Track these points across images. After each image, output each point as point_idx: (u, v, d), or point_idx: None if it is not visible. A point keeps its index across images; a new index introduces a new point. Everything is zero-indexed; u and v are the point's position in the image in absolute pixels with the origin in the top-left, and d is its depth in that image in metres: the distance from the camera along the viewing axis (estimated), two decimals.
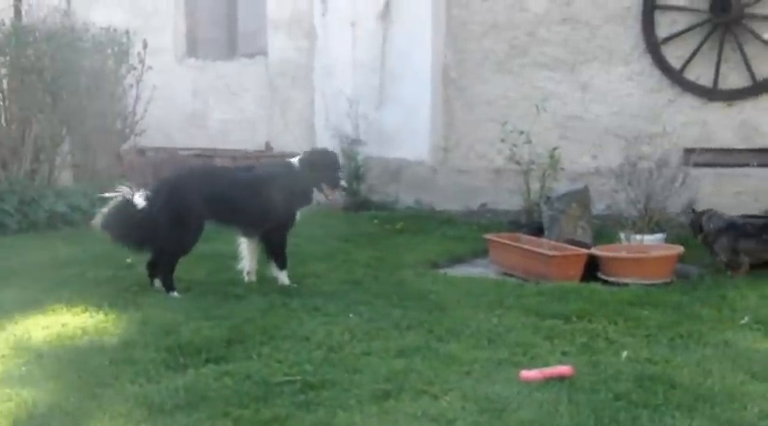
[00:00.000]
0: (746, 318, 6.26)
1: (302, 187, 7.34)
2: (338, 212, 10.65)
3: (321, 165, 7.39)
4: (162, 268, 7.17)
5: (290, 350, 5.63)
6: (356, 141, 11.23)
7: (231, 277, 7.55)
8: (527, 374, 5.13)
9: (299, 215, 7.42)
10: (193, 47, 13.79)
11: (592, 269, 7.66)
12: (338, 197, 8.26)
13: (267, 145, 12.64)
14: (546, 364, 5.34)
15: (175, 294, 7.04)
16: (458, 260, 8.66)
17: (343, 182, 7.64)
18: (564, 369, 5.19)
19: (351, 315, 6.39)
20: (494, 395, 4.84)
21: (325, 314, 6.44)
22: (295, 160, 7.45)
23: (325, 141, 11.17)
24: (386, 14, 11.67)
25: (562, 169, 9.52)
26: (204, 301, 6.84)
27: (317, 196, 7.50)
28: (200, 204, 7.12)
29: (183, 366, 5.38)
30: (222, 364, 5.39)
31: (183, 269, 7.34)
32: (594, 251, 7.78)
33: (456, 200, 10.88)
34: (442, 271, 8.12)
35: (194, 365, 5.39)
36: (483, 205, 10.96)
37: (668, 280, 7.37)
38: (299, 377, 5.13)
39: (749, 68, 9.91)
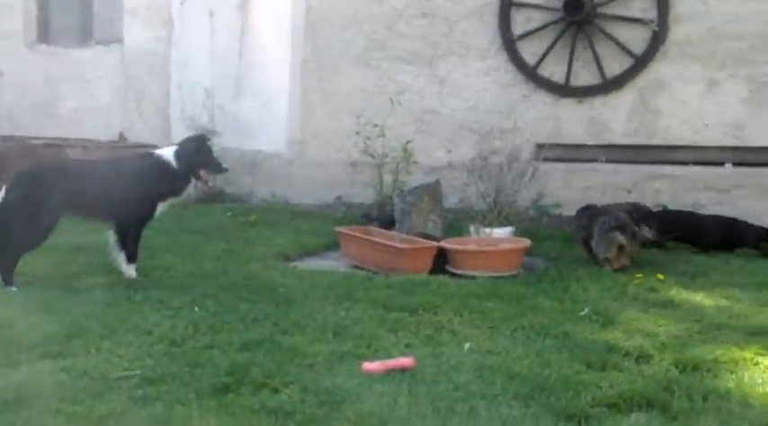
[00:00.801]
0: (586, 310, 6.41)
1: (175, 179, 7.22)
2: (191, 204, 10.47)
3: (198, 152, 7.29)
4: (2, 262, 6.92)
5: (131, 345, 5.49)
6: (212, 132, 11.07)
7: (76, 270, 7.34)
8: (369, 366, 5.13)
9: (160, 208, 7.27)
10: (45, 32, 13.36)
11: (442, 262, 7.72)
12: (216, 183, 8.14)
13: (121, 135, 12.38)
14: (389, 356, 5.35)
15: (14, 288, 6.79)
16: (309, 253, 8.62)
17: (224, 165, 7.54)
18: (406, 361, 5.21)
19: (196, 309, 6.28)
20: (334, 388, 4.82)
21: (170, 307, 6.31)
22: (165, 151, 7.31)
23: (181, 132, 10.96)
24: (244, 5, 11.57)
25: (415, 162, 9.58)
26: (46, 295, 6.63)
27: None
28: (57, 199, 6.92)
29: (17, 362, 5.18)
30: (59, 359, 5.22)
31: (27, 262, 7.09)
32: (444, 244, 7.84)
33: (312, 193, 10.86)
34: (292, 264, 8.07)
35: (29, 361, 5.21)
36: (338, 198, 10.97)
37: (515, 273, 7.49)
38: (138, 372, 5.01)
39: (600, 66, 10.17)
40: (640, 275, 7.39)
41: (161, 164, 7.21)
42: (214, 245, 8.59)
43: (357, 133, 9.77)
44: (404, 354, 5.39)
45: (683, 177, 9.75)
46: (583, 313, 6.37)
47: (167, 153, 7.27)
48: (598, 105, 10.27)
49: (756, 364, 5.39)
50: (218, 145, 10.89)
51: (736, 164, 9.80)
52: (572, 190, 9.85)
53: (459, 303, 6.53)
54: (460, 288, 6.94)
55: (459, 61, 10.71)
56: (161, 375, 4.97)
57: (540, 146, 9.90)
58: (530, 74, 10.47)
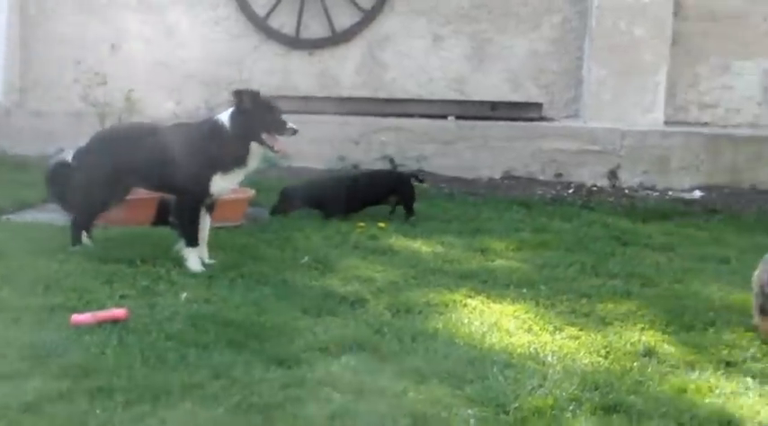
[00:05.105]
0: (306, 258, 6.46)
1: (229, 145, 6.19)
2: None
3: (255, 112, 6.14)
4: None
5: None
6: None
7: None
8: (78, 318, 4.96)
9: (222, 181, 6.25)
10: None
11: (166, 213, 7.52)
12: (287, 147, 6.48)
13: None
14: (102, 308, 5.20)
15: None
16: (27, 205, 8.19)
17: (291, 125, 6.24)
18: (118, 312, 5.07)
19: None
20: (40, 342, 4.63)
21: None
22: (224, 114, 6.28)
23: None
24: None
25: (139, 112, 9.29)
26: None
27: None
28: (117, 164, 6.38)
29: None
30: None
31: None
32: (164, 195, 7.63)
33: (32, 144, 10.32)
34: (5, 217, 7.65)
35: None
36: (60, 150, 10.47)
37: (238, 223, 7.43)
38: None
39: (329, 19, 10.24)
40: (362, 224, 7.52)
41: (215, 129, 6.21)
42: None
43: (76, 81, 9.36)
44: (118, 305, 5.24)
45: (408, 129, 9.98)
46: (303, 261, 6.41)
47: (225, 116, 6.24)
48: (327, 58, 10.35)
49: (465, 306, 5.63)
50: None
51: (458, 118, 10.14)
52: (301, 142, 9.83)
53: (178, 254, 6.41)
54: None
55: (188, 10, 10.50)
56: None
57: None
58: (260, 25, 10.41)
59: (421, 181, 8.41)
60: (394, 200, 8.05)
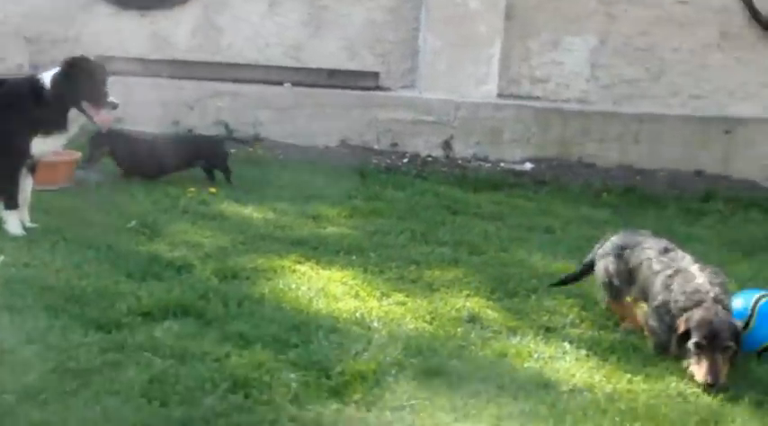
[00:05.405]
0: (134, 222, 6.29)
1: (46, 108, 5.83)
2: None
3: (79, 77, 5.83)
4: None
5: None
6: None
7: None
8: None
9: (42, 144, 5.92)
10: None
11: None
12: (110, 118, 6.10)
13: None
14: None
15: None
16: None
17: (112, 99, 5.90)
18: None
19: None
20: None
21: None
22: (47, 74, 5.90)
23: None
24: None
25: None
26: None
27: None
28: None
29: None
30: None
31: None
32: None
33: None
34: None
35: None
36: None
37: (65, 186, 7.18)
38: None
39: None
40: (193, 189, 7.38)
41: (35, 88, 5.86)
42: None
43: None
44: None
45: (244, 95, 9.84)
46: (130, 225, 6.25)
47: (47, 76, 5.88)
48: (161, 19, 10.09)
49: (294, 271, 5.61)
50: None
51: (295, 85, 10.06)
52: (134, 105, 9.59)
53: None
54: None
55: None
56: None
57: (105, 59, 9.52)
58: None
59: (244, 143, 8.27)
60: (203, 165, 7.88)
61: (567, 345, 4.86)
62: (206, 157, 7.90)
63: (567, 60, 10.41)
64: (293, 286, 5.29)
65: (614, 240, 5.36)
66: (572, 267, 5.88)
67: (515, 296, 5.57)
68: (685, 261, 4.95)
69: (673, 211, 8.33)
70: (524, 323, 5.15)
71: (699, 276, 4.79)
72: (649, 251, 5.10)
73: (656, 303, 4.86)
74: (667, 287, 4.82)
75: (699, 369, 4.52)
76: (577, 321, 5.26)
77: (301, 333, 4.59)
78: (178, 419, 3.67)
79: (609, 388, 4.40)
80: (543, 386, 4.36)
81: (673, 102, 10.49)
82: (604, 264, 5.28)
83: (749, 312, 5.00)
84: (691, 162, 10.06)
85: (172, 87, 9.83)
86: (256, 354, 4.29)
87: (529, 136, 9.97)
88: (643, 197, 8.76)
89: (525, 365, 4.58)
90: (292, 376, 4.10)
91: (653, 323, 4.87)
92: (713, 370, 4.47)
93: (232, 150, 8.23)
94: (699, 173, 10.00)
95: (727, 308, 4.70)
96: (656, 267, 4.96)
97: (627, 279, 5.18)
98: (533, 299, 5.53)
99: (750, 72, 10.52)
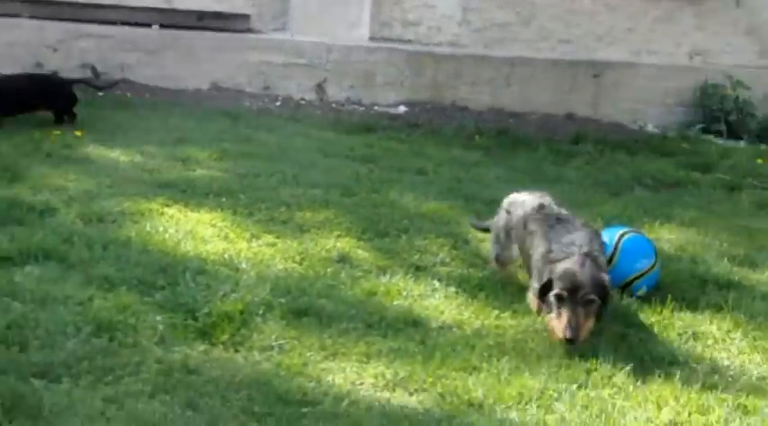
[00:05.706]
0: None
1: None
2: None
3: None
4: None
5: None
6: None
7: None
8: None
9: None
10: None
11: None
12: None
13: None
14: None
15: None
16: None
17: None
18: None
19: None
20: None
21: None
22: None
23: None
24: None
25: None
26: None
27: None
28: None
29: None
30: None
31: None
32: None
33: None
34: None
35: None
36: None
37: None
38: None
39: None
40: (58, 132, 7.15)
41: None
42: None
43: None
44: None
45: (110, 37, 9.54)
46: None
47: None
48: None
49: (162, 214, 5.52)
50: None
51: (163, 27, 9.81)
52: None
53: None
54: None
55: None
56: None
57: None
58: None
59: (103, 88, 7.99)
60: (46, 106, 7.55)
61: (436, 283, 4.91)
62: (48, 99, 7.57)
63: (438, 4, 10.38)
64: (160, 229, 5.20)
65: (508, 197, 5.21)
66: (444, 207, 5.95)
67: (386, 236, 5.59)
68: (563, 215, 4.79)
69: (543, 153, 8.45)
70: (395, 262, 5.18)
71: (575, 231, 4.63)
72: (527, 208, 4.90)
73: (536, 256, 4.66)
74: (548, 240, 4.61)
75: (558, 324, 4.29)
76: (447, 259, 5.32)
77: (168, 276, 4.52)
78: (37, 363, 3.58)
79: (477, 324, 4.48)
80: (412, 323, 4.40)
81: (543, 46, 10.60)
82: (496, 218, 5.18)
83: (612, 248, 5.13)
84: (561, 105, 10.22)
85: (33, 28, 9.46)
86: (121, 297, 4.22)
87: (402, 79, 9.97)
88: (515, 139, 8.85)
89: (395, 303, 4.61)
90: (158, 318, 4.05)
91: (536, 284, 4.60)
92: (573, 325, 4.22)
93: (99, 94, 8.00)
94: (570, 116, 10.16)
95: (598, 263, 4.50)
96: (532, 227, 4.77)
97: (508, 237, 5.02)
98: (404, 239, 5.57)
99: (617, 17, 10.68)
